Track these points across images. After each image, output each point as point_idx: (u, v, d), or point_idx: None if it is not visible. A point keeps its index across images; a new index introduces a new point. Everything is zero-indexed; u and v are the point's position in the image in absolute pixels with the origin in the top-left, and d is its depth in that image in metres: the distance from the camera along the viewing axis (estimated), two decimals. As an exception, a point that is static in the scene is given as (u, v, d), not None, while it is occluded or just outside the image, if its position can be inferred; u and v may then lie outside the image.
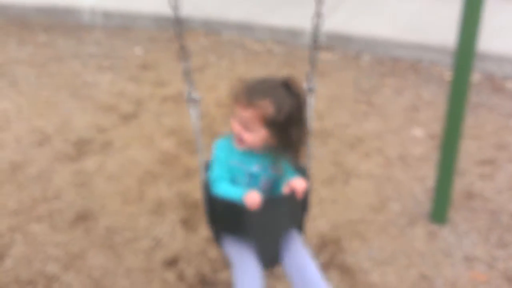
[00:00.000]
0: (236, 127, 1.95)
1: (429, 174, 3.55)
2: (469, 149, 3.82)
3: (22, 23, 6.28)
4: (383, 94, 4.61)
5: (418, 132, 4.08)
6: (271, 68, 5.08)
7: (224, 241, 2.15)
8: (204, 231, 3.13)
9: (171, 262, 2.93)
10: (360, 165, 3.70)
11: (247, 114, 1.90)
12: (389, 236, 3.08)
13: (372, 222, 3.19)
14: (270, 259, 2.10)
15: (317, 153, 3.83)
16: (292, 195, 1.95)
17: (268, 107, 1.88)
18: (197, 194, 3.43)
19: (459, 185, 3.45)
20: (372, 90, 4.67)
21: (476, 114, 4.27)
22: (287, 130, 1.92)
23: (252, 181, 2.04)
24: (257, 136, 1.93)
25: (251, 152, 2.02)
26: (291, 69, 5.07)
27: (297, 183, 1.95)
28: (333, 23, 5.65)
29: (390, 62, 5.17)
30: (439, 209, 3.18)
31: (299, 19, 5.70)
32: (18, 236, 3.11)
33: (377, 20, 5.67)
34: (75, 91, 4.71)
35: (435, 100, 4.49)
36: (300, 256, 2.07)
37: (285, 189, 1.98)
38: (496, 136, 4.01)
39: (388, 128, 4.11)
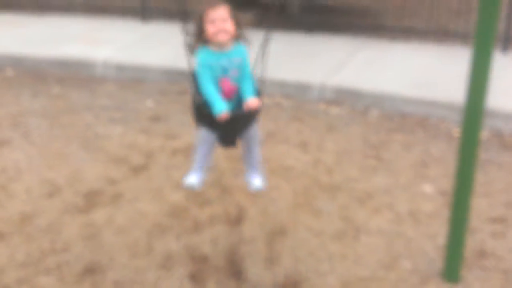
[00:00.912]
0: (219, 24, 2.72)
1: (440, 231, 3.52)
2: (479, 206, 3.79)
3: (36, 75, 6.41)
4: (392, 150, 4.63)
5: (428, 188, 4.07)
6: (280, 122, 5.14)
7: (200, 125, 2.94)
8: (212, 286, 3.09)
9: (179, 318, 2.88)
10: (370, 220, 3.68)
11: (221, 10, 2.74)
12: (401, 295, 3.03)
13: (383, 280, 3.14)
14: (231, 143, 2.98)
15: (326, 208, 3.82)
16: (249, 112, 2.82)
17: (228, 9, 2.77)
18: (206, 248, 3.41)
19: (471, 243, 3.41)
20: (380, 145, 4.69)
21: (485, 171, 4.26)
22: (236, 15, 2.81)
23: (224, 71, 2.81)
24: (230, 24, 2.76)
25: (221, 52, 2.79)
26: (299, 123, 5.12)
27: (250, 103, 2.78)
28: (342, 78, 5.75)
29: (398, 118, 5.22)
30: (452, 268, 3.13)
31: (307, 73, 5.81)
32: (25, 289, 3.08)
33: (385, 75, 5.77)
34: (87, 143, 4.76)
35: (444, 156, 4.50)
36: (252, 140, 3.00)
37: (244, 107, 2.78)
38: (506, 193, 3.99)
39: (397, 184, 4.11)
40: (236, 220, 3.68)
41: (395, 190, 4.03)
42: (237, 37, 2.85)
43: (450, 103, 5.05)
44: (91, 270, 3.23)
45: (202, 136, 2.96)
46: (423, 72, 5.85)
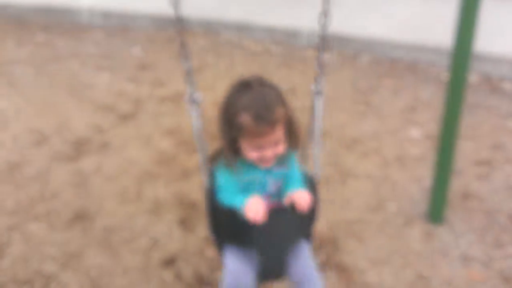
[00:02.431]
0: (268, 152, 1.82)
1: (426, 174, 3.57)
2: (465, 149, 3.83)
3: (20, 22, 6.28)
4: (381, 95, 4.62)
5: (415, 132, 4.09)
6: (269, 68, 5.09)
7: (226, 250, 2.01)
8: (201, 231, 3.14)
9: (169, 262, 2.93)
10: (357, 165, 3.71)
11: (276, 132, 1.80)
12: (386, 236, 3.09)
13: (369, 222, 3.20)
14: (274, 271, 1.97)
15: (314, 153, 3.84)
16: (293, 209, 1.84)
17: (281, 113, 1.80)
18: (195, 194, 3.44)
19: (456, 185, 3.46)
20: (370, 91, 4.68)
21: (473, 115, 4.28)
22: (291, 120, 1.88)
23: (263, 187, 1.96)
24: (283, 145, 1.86)
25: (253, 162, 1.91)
26: (288, 69, 5.08)
27: (298, 196, 1.84)
28: (331, 24, 5.66)
29: (387, 63, 5.19)
30: (436, 209, 3.19)
31: (297, 20, 5.71)
32: (15, 236, 3.11)
33: (374, 21, 5.68)
34: (74, 91, 4.71)
35: (432, 101, 4.50)
36: (305, 268, 1.97)
37: (285, 201, 1.89)
38: (492, 136, 4.03)
39: (385, 129, 4.12)
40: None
41: (383, 135, 4.05)
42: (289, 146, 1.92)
43: (439, 47, 5.01)
44: (80, 217, 3.26)
45: (231, 273, 1.93)
46: (413, 16, 5.77)
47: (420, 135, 4.05)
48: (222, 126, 1.87)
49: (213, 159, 1.99)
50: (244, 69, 5.07)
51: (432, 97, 4.56)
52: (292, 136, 1.88)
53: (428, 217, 3.21)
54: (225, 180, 1.91)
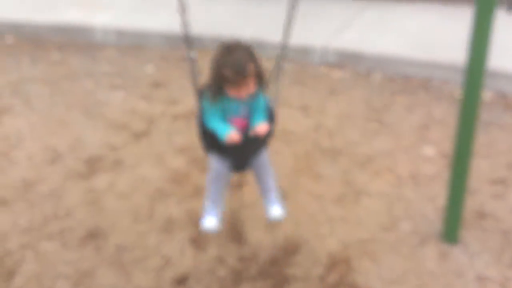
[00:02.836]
0: (243, 92, 2.52)
1: (440, 193, 3.52)
2: (480, 168, 3.78)
3: (36, 41, 6.37)
4: (394, 112, 4.60)
5: (429, 150, 4.06)
6: (282, 85, 5.09)
7: (211, 156, 2.78)
8: (213, 249, 3.13)
9: (180, 281, 2.93)
10: (371, 183, 3.68)
11: (248, 80, 2.50)
12: (400, 256, 3.06)
13: (382, 242, 3.17)
14: (242, 168, 2.83)
15: (327, 171, 3.82)
16: (257, 137, 2.63)
17: (252, 68, 2.51)
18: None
19: (471, 204, 3.42)
20: (383, 108, 4.66)
21: (488, 133, 4.24)
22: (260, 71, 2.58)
23: (236, 112, 2.65)
24: (253, 85, 2.55)
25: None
26: (301, 87, 5.09)
27: (259, 128, 2.60)
28: (344, 41, 5.66)
29: (401, 80, 5.17)
30: (451, 229, 3.15)
31: (309, 37, 5.72)
32: (28, 254, 3.13)
33: (388, 38, 5.68)
34: (88, 109, 4.76)
35: (446, 118, 4.47)
36: (262, 161, 2.81)
37: (251, 132, 2.61)
38: (507, 154, 3.98)
39: (399, 146, 4.10)
40: (237, 184, 3.70)
41: (397, 152, 4.02)
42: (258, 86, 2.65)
43: (453, 64, 4.98)
44: (93, 235, 3.27)
45: (214, 168, 2.78)
46: (427, 33, 5.76)
47: (434, 153, 4.01)
48: (212, 75, 2.57)
49: (202, 92, 2.71)
50: (256, 87, 5.09)
51: (446, 115, 4.52)
52: (260, 79, 2.59)
53: (442, 237, 3.17)
54: (210, 108, 2.63)
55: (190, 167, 3.89)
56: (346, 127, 4.39)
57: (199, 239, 3.22)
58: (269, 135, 2.77)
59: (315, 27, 5.91)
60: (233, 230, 3.30)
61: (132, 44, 6.20)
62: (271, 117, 2.78)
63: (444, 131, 4.28)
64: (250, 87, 2.55)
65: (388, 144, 4.13)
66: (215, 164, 2.76)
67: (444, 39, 5.51)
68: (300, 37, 5.74)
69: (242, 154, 2.75)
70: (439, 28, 5.89)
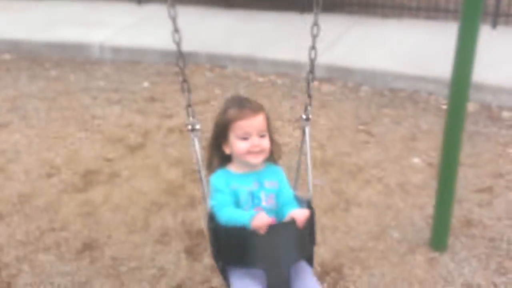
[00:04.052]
0: (254, 141, 2.03)
1: (428, 202, 3.61)
2: (467, 177, 3.88)
3: (34, 58, 6.46)
4: (382, 124, 4.70)
5: (417, 160, 4.15)
6: (274, 99, 5.20)
7: (231, 274, 2.08)
8: (208, 260, 3.18)
9: (175, 291, 2.98)
10: (361, 193, 3.76)
11: (259, 118, 2.05)
12: (390, 264, 3.12)
13: (373, 250, 3.24)
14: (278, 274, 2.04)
15: (318, 182, 3.90)
16: (294, 222, 1.96)
17: (262, 109, 2.11)
18: (202, 223, 3.49)
19: (458, 212, 3.50)
20: (371, 120, 4.76)
21: (473, 143, 4.34)
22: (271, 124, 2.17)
23: (254, 199, 2.09)
24: (268, 140, 2.09)
25: (246, 173, 2.11)
26: (293, 100, 5.18)
27: (297, 212, 1.98)
28: (333, 56, 5.78)
29: (389, 93, 5.28)
30: (439, 237, 3.22)
31: (300, 52, 5.83)
32: (25, 267, 3.17)
33: (376, 52, 5.81)
34: (84, 124, 4.83)
35: (433, 130, 4.57)
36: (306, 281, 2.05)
37: (286, 219, 2.01)
38: (493, 164, 4.07)
39: (387, 157, 4.19)
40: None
41: (385, 163, 4.11)
42: (273, 154, 2.15)
43: (439, 78, 5.10)
44: (89, 247, 3.32)
45: None
46: (414, 48, 5.89)
47: (422, 163, 4.10)
48: (213, 134, 2.15)
49: (209, 168, 2.19)
50: (249, 101, 5.19)
51: (433, 126, 4.63)
52: (273, 142, 2.12)
53: (431, 244, 3.24)
54: (220, 192, 2.06)
55: (185, 179, 3.96)
56: (336, 138, 4.49)
57: (194, 250, 3.28)
58: (311, 235, 2.09)
59: (305, 43, 6.01)
60: (227, 240, 3.36)
61: (128, 61, 6.30)
62: (310, 212, 2.03)
63: (431, 141, 4.38)
64: (264, 138, 2.05)
65: (377, 155, 4.22)
66: (240, 285, 2.00)
67: (430, 53, 5.64)
68: (291, 53, 5.87)
69: (276, 256, 1.96)
70: (426, 42, 6.02)
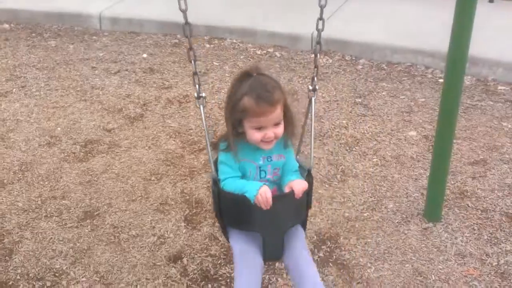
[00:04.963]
0: (269, 133, 2.04)
1: (423, 173, 3.67)
2: (461, 149, 3.94)
3: (33, 28, 6.43)
4: (379, 97, 4.73)
5: (413, 133, 4.19)
6: (273, 72, 5.21)
7: (231, 234, 2.25)
8: (206, 228, 3.26)
9: (175, 258, 3.04)
10: (357, 165, 3.82)
11: (276, 112, 2.03)
12: (385, 233, 3.20)
13: (368, 220, 3.31)
14: (273, 253, 2.21)
15: (315, 153, 3.95)
16: (293, 194, 2.09)
17: (279, 96, 2.04)
18: (200, 193, 3.56)
19: (452, 184, 3.57)
20: (368, 93, 4.79)
21: (469, 116, 4.38)
22: (290, 109, 2.13)
23: (261, 173, 2.19)
24: (282, 126, 2.09)
25: (255, 147, 2.14)
26: (291, 73, 5.20)
27: (296, 184, 2.09)
28: (330, 29, 5.73)
29: (386, 67, 5.29)
30: (433, 208, 3.29)
31: (298, 25, 5.83)
32: (26, 234, 3.23)
33: (374, 26, 5.79)
34: (84, 94, 4.85)
35: (429, 103, 4.61)
36: (300, 254, 2.20)
37: (286, 189, 2.14)
38: (488, 137, 4.12)
39: (384, 130, 4.23)
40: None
41: (382, 135, 4.16)
42: (286, 134, 2.15)
43: (436, 51, 5.11)
44: (90, 215, 3.39)
45: (240, 250, 2.15)
46: (411, 21, 5.88)
47: (417, 136, 4.15)
48: (228, 114, 2.10)
49: (216, 145, 2.21)
50: (248, 73, 5.20)
51: (429, 100, 4.66)
52: (289, 122, 2.11)
53: (425, 215, 3.31)
54: (226, 169, 2.13)
55: (184, 149, 4.01)
56: (333, 111, 4.52)
57: (193, 219, 3.34)
58: (308, 201, 2.23)
59: (301, 17, 6.01)
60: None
61: (127, 32, 6.28)
62: (308, 180, 2.20)
63: (427, 115, 4.42)
64: (279, 126, 2.05)
65: (373, 128, 4.27)
66: (240, 244, 2.16)
67: (428, 26, 5.63)
68: (288, 26, 5.87)
69: (274, 224, 2.11)
70: (423, 16, 6.00)
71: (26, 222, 3.33)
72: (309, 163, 2.29)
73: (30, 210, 3.43)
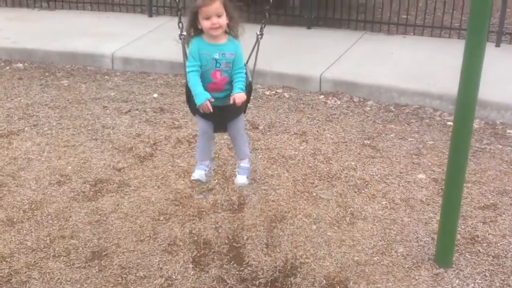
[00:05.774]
0: (213, 20, 2.87)
1: (433, 217, 3.65)
2: (471, 194, 3.92)
3: (46, 68, 6.55)
4: (388, 139, 4.75)
5: (422, 176, 4.19)
6: (281, 112, 5.26)
7: (196, 116, 3.19)
8: (215, 270, 3.24)
9: (182, 301, 3.02)
10: (366, 207, 3.81)
11: (216, 5, 2.87)
12: (395, 278, 3.17)
13: (378, 264, 3.28)
14: (220, 130, 3.25)
15: (324, 195, 3.95)
16: (234, 105, 2.98)
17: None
18: (209, 234, 3.56)
19: (463, 229, 3.54)
20: (377, 135, 4.81)
21: (478, 160, 4.38)
22: (230, 8, 2.96)
23: (216, 64, 2.99)
24: (224, 18, 2.91)
25: (214, 44, 2.97)
26: (300, 114, 5.24)
27: (237, 97, 2.96)
28: (339, 71, 5.86)
29: (394, 109, 5.33)
30: (444, 253, 3.26)
31: (307, 66, 5.93)
32: (34, 273, 3.23)
33: (382, 68, 5.87)
34: (94, 133, 4.90)
35: (438, 146, 4.62)
36: (237, 133, 3.22)
37: (230, 100, 2.96)
38: (497, 181, 4.11)
39: (392, 172, 4.23)
40: (238, 207, 3.83)
41: (391, 178, 4.16)
42: (230, 29, 3.01)
43: (445, 94, 5.16)
44: (98, 255, 3.38)
45: (200, 126, 3.19)
46: (419, 64, 5.95)
47: (427, 179, 4.14)
48: (189, 16, 2.95)
49: (188, 41, 3.03)
50: (257, 113, 5.25)
51: (438, 142, 4.68)
52: (230, 16, 2.95)
53: (436, 260, 3.28)
54: (191, 61, 2.96)
55: (193, 190, 4.02)
56: (342, 152, 4.54)
57: (201, 260, 3.33)
58: (245, 103, 3.12)
59: (312, 58, 6.10)
60: (234, 251, 3.42)
61: (138, 72, 6.39)
62: (249, 88, 3.12)
63: (436, 157, 4.42)
64: (222, 19, 2.89)
65: (382, 170, 4.27)
66: (200, 124, 3.17)
67: (436, 69, 5.70)
68: (298, 67, 5.95)
69: (220, 119, 3.11)
70: (431, 59, 6.08)
71: (34, 261, 3.33)
72: (251, 76, 3.17)
73: (39, 250, 3.43)
